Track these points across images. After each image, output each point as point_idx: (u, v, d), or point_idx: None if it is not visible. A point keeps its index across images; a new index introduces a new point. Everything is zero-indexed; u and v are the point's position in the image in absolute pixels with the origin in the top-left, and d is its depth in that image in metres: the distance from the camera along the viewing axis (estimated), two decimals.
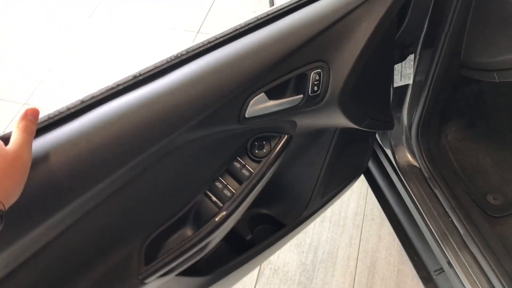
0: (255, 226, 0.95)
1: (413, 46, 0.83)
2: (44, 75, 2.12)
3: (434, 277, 1.11)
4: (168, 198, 0.65)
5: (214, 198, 0.67)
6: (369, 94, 0.79)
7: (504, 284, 0.85)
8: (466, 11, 0.80)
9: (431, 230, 0.97)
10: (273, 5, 1.36)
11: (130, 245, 0.62)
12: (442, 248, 0.95)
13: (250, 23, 0.63)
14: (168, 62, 0.58)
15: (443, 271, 1.05)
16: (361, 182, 1.54)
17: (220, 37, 0.61)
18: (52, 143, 0.49)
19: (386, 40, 0.73)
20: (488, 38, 0.83)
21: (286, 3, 0.65)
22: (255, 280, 1.43)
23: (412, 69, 0.87)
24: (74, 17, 2.37)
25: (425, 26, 0.80)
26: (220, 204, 0.67)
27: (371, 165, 1.24)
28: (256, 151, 0.69)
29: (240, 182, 0.68)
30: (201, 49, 0.60)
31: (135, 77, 0.56)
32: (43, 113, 0.52)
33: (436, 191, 1.00)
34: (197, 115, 0.56)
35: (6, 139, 0.45)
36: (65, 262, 0.56)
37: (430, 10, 0.78)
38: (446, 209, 0.97)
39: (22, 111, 0.47)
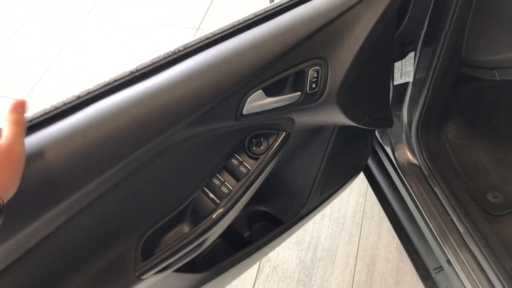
0: (253, 223, 0.95)
1: (414, 44, 0.83)
2: (44, 75, 2.13)
3: (433, 275, 1.11)
4: (165, 195, 0.65)
5: (211, 195, 0.67)
6: (368, 92, 0.79)
7: (503, 282, 0.84)
8: (467, 8, 0.79)
9: (431, 228, 0.97)
10: (273, 1, 1.35)
11: (127, 241, 0.62)
12: (441, 246, 0.95)
13: (248, 20, 0.63)
14: (165, 58, 0.58)
15: (443, 269, 1.05)
16: (361, 180, 1.54)
17: (218, 33, 0.61)
18: (48, 139, 0.49)
19: (385, 38, 0.73)
20: (489, 36, 0.83)
21: None
22: (254, 278, 1.43)
23: (412, 67, 0.87)
24: (74, 17, 2.37)
25: (426, 23, 0.80)
26: (218, 201, 0.67)
27: (371, 163, 1.23)
28: (254, 148, 0.68)
29: (237, 179, 0.68)
30: (198, 45, 0.60)
31: (132, 72, 0.56)
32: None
33: (435, 189, 0.99)
34: (194, 111, 0.56)
35: None
36: (61, 258, 0.56)
37: (431, 8, 0.78)
38: (446, 207, 0.97)
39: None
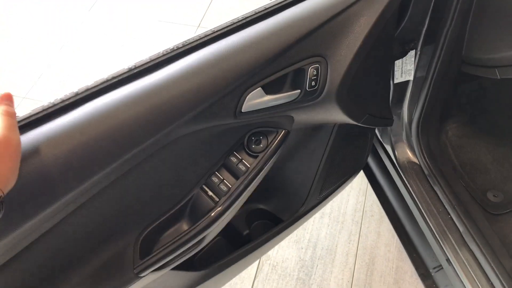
0: (252, 221, 0.95)
1: (414, 42, 0.82)
2: (44, 75, 2.12)
3: (433, 274, 1.11)
4: (164, 192, 0.65)
5: (210, 193, 0.67)
6: (368, 90, 0.78)
7: (503, 281, 0.84)
8: (468, 6, 0.79)
9: (430, 227, 0.97)
10: None
11: (125, 239, 0.62)
12: (441, 245, 0.95)
13: (247, 17, 0.62)
14: (164, 54, 0.58)
15: (442, 268, 1.05)
16: (361, 179, 1.54)
17: (217, 31, 0.61)
18: (46, 136, 0.49)
19: (386, 36, 0.72)
20: (490, 34, 0.83)
21: None
22: (253, 276, 1.43)
23: (413, 65, 0.87)
24: (74, 17, 2.37)
25: (426, 21, 0.80)
26: (217, 199, 0.66)
27: (371, 162, 1.23)
28: (253, 146, 0.68)
29: (236, 177, 0.67)
30: (197, 42, 0.59)
31: (130, 69, 0.56)
32: None
33: (435, 188, 0.99)
34: (193, 109, 0.56)
35: None
36: (59, 256, 0.56)
37: (432, 6, 0.77)
38: (446, 206, 0.97)
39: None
